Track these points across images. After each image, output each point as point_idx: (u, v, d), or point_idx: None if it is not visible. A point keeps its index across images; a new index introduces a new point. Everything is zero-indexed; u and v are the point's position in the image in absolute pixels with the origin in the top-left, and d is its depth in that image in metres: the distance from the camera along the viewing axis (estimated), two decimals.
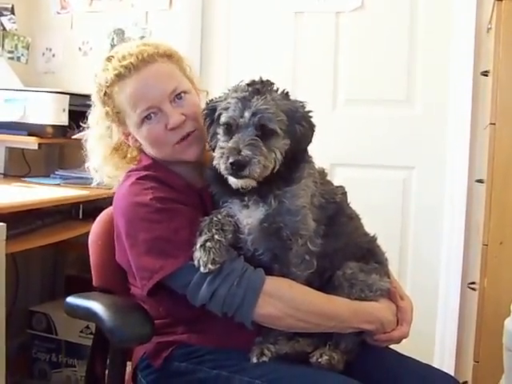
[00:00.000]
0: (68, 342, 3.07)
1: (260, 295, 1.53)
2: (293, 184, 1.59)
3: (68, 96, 3.07)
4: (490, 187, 2.54)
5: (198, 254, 1.51)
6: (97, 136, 1.82)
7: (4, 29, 3.41)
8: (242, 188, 1.54)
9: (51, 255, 3.62)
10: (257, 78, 1.58)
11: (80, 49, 3.65)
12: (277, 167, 1.55)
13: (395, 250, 3.13)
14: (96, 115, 1.79)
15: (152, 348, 1.67)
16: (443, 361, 3.05)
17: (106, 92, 1.71)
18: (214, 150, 1.59)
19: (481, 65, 2.98)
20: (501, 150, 2.52)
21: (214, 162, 1.55)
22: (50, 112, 3.01)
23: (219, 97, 1.63)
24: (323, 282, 1.70)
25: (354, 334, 1.69)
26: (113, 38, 3.55)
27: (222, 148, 1.53)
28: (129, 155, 1.83)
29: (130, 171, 1.73)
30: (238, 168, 1.48)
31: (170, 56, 1.73)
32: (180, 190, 1.66)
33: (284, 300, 1.56)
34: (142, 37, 3.48)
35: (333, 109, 3.29)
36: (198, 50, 3.45)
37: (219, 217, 1.57)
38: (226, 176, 1.53)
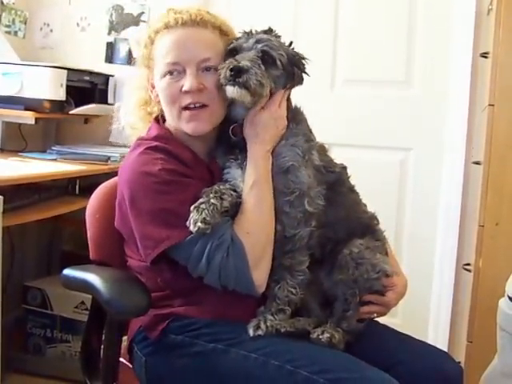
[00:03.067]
0: (63, 318, 3.07)
1: (251, 271, 1.57)
2: (280, 141, 1.67)
3: (66, 71, 3.05)
4: (487, 169, 2.55)
5: (191, 214, 1.54)
6: (136, 85, 1.84)
7: (1, 3, 3.38)
8: (238, 102, 1.63)
9: (47, 231, 3.62)
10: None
11: (78, 24, 3.62)
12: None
13: (391, 230, 3.11)
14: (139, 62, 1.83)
15: (148, 320, 1.67)
16: (437, 341, 3.06)
17: (150, 36, 1.74)
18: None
19: (480, 46, 2.98)
20: (499, 131, 2.53)
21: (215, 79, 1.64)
22: (48, 87, 2.99)
23: None
24: (325, 253, 1.71)
25: (357, 315, 1.71)
26: (111, 14, 3.53)
27: (223, 64, 1.61)
28: (154, 113, 1.83)
29: (139, 139, 1.73)
30: (235, 74, 1.56)
31: (222, 31, 1.73)
32: (188, 164, 1.66)
33: (261, 251, 1.60)
34: (141, 13, 3.46)
35: (331, 89, 3.29)
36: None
37: (221, 187, 1.60)
38: (224, 88, 1.60)
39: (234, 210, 1.62)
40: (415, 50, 3.21)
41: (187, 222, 1.54)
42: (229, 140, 1.69)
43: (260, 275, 1.59)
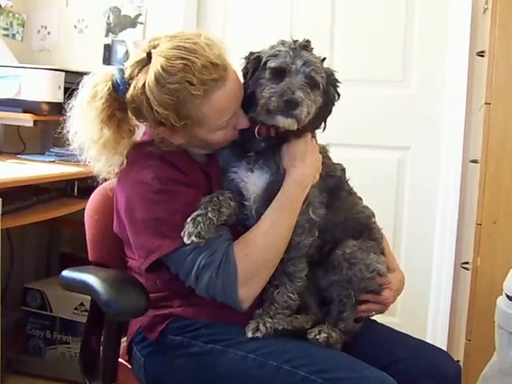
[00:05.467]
0: (62, 319, 3.07)
1: (238, 289, 1.56)
2: None
3: (63, 73, 3.06)
4: (485, 167, 2.55)
5: (187, 226, 1.54)
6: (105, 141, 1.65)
7: None
8: (284, 130, 1.60)
9: (46, 233, 3.63)
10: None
11: (75, 27, 3.63)
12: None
13: (389, 229, 3.13)
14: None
15: (147, 321, 1.68)
16: (436, 340, 3.07)
17: (188, 107, 1.55)
18: (253, 95, 1.61)
19: (477, 45, 2.98)
20: (495, 130, 2.53)
21: (262, 102, 1.57)
22: (46, 89, 3.00)
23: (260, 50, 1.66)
24: (323, 255, 1.72)
25: (354, 315, 1.72)
26: (108, 16, 3.54)
27: (272, 88, 1.56)
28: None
29: (135, 144, 1.70)
30: (291, 106, 1.53)
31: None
32: (183, 170, 1.65)
33: (255, 273, 1.59)
34: (139, 15, 3.47)
35: None
36: (193, 28, 3.43)
37: (220, 198, 1.59)
38: (274, 114, 1.56)
39: (233, 219, 1.63)
40: (412, 49, 3.22)
41: (182, 233, 1.54)
42: (244, 143, 1.66)
43: (247, 293, 1.58)
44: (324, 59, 1.66)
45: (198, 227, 1.52)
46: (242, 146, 1.67)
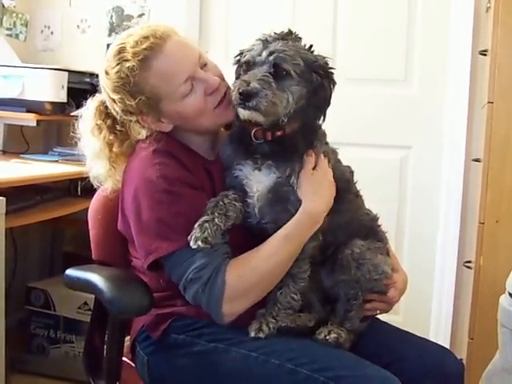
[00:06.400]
0: (66, 318, 3.08)
1: (222, 305, 1.55)
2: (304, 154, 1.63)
3: (67, 73, 3.07)
4: (487, 166, 2.56)
5: (194, 231, 1.53)
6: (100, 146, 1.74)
7: (2, 6, 3.40)
8: (249, 122, 1.57)
9: (49, 232, 3.64)
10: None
11: (78, 26, 3.64)
12: (289, 110, 1.56)
13: (392, 228, 3.13)
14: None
15: (151, 320, 1.68)
16: (439, 338, 3.07)
17: (133, 82, 1.61)
18: None
19: (479, 44, 2.99)
20: (498, 128, 2.54)
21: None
22: (49, 89, 3.01)
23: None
24: (326, 257, 1.72)
25: (360, 315, 1.72)
26: (111, 16, 3.54)
27: (235, 83, 1.58)
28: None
29: (142, 141, 1.71)
30: (245, 98, 1.51)
31: (176, 31, 1.70)
32: (190, 168, 1.65)
33: (245, 293, 1.58)
34: (142, 14, 3.47)
35: None
36: (196, 28, 3.45)
37: (225, 201, 1.59)
38: (236, 108, 1.56)
39: (240, 219, 1.62)
40: (414, 48, 3.22)
41: (188, 237, 1.53)
42: (249, 145, 1.64)
43: (231, 309, 1.57)
44: (310, 47, 1.62)
45: (205, 233, 1.52)
46: (247, 149, 1.64)
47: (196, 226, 1.54)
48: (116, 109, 1.66)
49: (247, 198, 1.63)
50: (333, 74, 1.62)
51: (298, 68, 1.55)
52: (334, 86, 1.62)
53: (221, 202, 1.58)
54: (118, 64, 1.62)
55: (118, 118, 1.69)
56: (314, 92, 1.59)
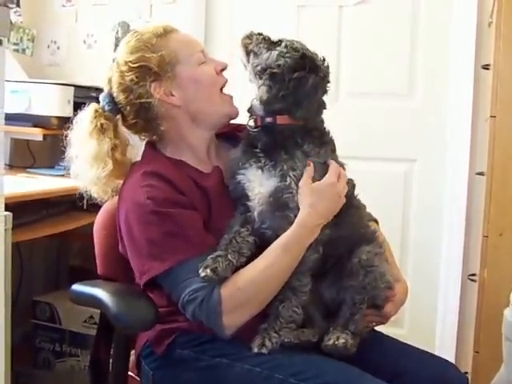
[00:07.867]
0: (72, 332, 3.08)
1: (222, 318, 1.56)
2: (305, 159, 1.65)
3: (73, 88, 3.08)
4: (490, 180, 2.57)
5: (206, 261, 1.55)
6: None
7: (10, 21, 3.42)
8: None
9: (55, 246, 3.65)
10: None
11: (85, 41, 3.66)
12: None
13: (397, 241, 3.14)
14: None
15: (155, 335, 1.69)
16: (443, 352, 3.06)
17: (153, 43, 1.74)
18: None
19: (482, 58, 3.00)
20: (501, 142, 2.55)
21: None
22: (55, 104, 3.03)
23: None
24: (326, 269, 1.72)
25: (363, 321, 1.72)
26: (117, 31, 3.56)
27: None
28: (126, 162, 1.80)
29: (133, 164, 1.76)
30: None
31: None
32: (179, 187, 1.66)
33: (243, 305, 1.59)
34: None
35: (335, 101, 3.30)
36: (201, 43, 3.46)
37: (238, 239, 1.61)
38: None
39: (253, 250, 1.64)
40: (417, 62, 3.23)
41: (199, 265, 1.55)
42: (251, 144, 1.69)
43: (231, 321, 1.58)
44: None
45: (217, 264, 1.54)
46: (252, 144, 1.69)
47: (209, 258, 1.56)
48: (129, 77, 1.74)
49: (248, 202, 1.65)
50: (319, 67, 1.70)
51: (279, 69, 1.67)
52: (320, 78, 1.68)
53: (234, 241, 1.60)
54: (136, 36, 1.76)
55: (125, 99, 1.75)
56: (297, 85, 1.64)
